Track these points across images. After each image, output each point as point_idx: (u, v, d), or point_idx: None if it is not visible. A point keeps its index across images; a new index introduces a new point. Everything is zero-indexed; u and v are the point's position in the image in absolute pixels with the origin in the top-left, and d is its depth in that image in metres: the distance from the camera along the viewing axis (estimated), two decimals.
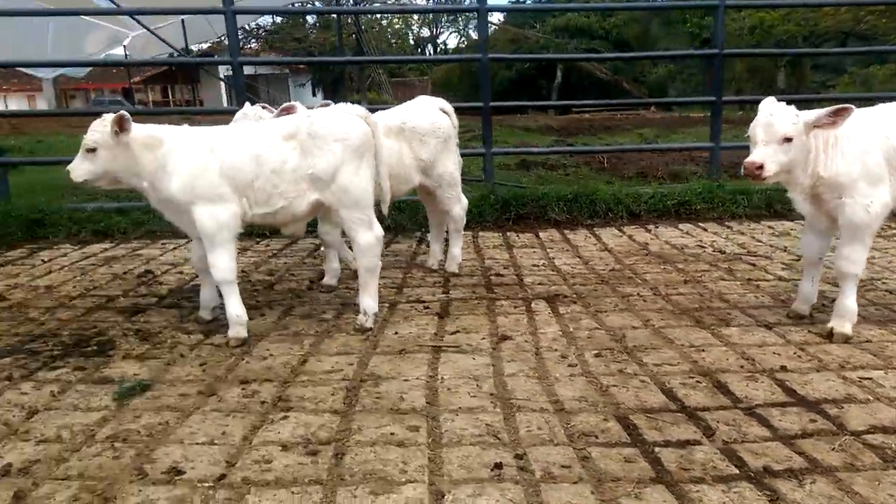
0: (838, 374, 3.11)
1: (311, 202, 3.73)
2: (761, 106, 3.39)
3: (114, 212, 6.83)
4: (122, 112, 3.48)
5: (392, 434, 2.63)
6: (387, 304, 4.29)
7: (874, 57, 25.98)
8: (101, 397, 3.04)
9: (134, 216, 6.77)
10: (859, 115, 3.36)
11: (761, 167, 3.29)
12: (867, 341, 3.51)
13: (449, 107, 4.87)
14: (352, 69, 34.69)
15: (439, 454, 2.47)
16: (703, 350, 3.44)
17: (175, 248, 6.12)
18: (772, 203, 6.87)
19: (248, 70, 27.27)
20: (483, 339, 3.68)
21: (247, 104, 4.83)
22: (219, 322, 3.97)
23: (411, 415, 2.79)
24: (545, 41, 35.27)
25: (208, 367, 3.38)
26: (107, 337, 3.83)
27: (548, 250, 5.74)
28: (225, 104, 32.83)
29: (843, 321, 3.55)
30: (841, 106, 3.25)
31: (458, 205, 4.90)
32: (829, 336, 3.54)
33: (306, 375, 3.25)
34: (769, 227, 6.53)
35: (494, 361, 3.35)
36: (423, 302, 4.36)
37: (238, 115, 4.64)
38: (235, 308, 3.67)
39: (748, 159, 3.34)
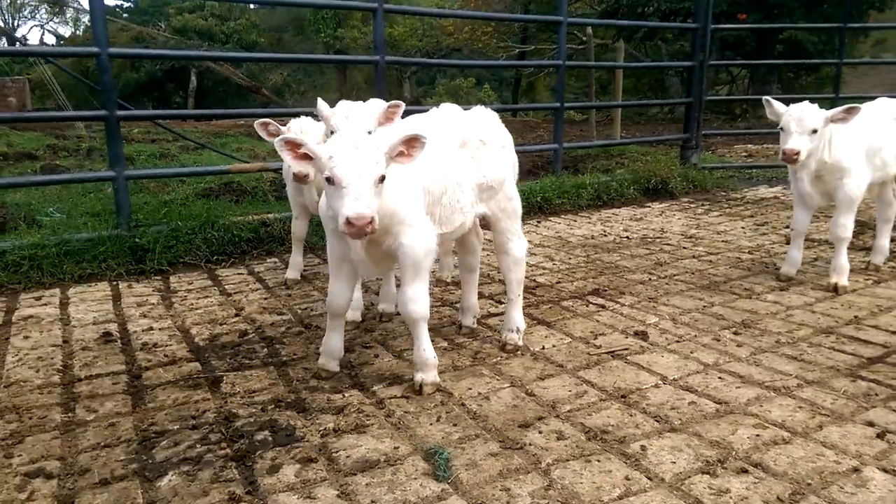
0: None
1: (476, 216, 3.42)
2: (793, 106, 4.29)
3: None
4: None
5: None
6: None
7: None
8: (420, 483, 2.38)
9: None
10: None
11: (798, 153, 4.17)
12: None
13: None
14: None
15: None
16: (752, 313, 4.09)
17: (63, 300, 4.48)
18: (600, 194, 7.90)
19: None
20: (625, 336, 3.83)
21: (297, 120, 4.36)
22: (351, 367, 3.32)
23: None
24: (176, 41, 32.99)
25: (453, 418, 2.85)
26: (266, 416, 2.94)
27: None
28: None
29: (842, 276, 4.59)
30: (851, 105, 4.26)
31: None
32: (835, 289, 4.55)
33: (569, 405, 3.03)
34: (614, 213, 7.55)
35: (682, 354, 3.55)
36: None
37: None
38: (429, 349, 3.17)
39: (788, 146, 4.22)
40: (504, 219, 3.55)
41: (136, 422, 2.89)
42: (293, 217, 4.99)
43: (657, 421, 2.84)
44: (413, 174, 3.01)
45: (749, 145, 14.20)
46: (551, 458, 2.56)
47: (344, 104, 3.99)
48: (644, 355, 3.56)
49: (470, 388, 3.18)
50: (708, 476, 2.43)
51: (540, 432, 2.76)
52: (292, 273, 4.98)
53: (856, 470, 2.45)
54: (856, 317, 4.08)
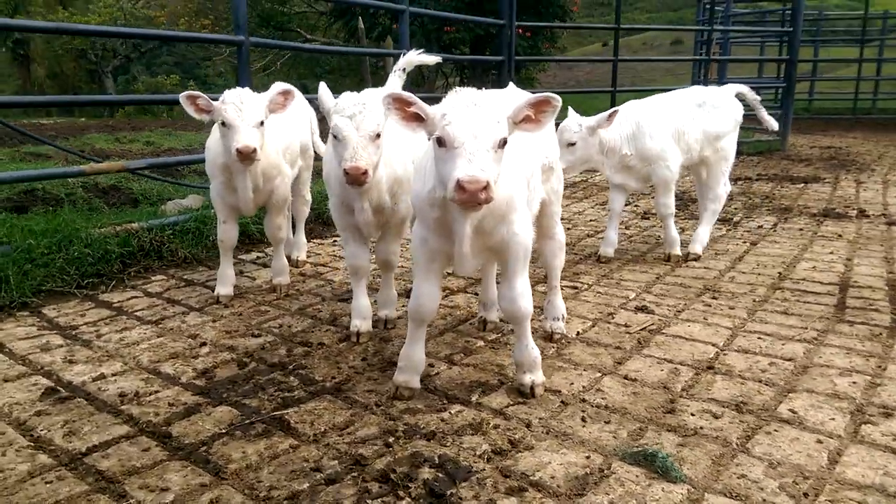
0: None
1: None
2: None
3: None
4: None
5: None
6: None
7: None
8: (661, 488, 2.13)
9: None
10: (647, 107, 4.96)
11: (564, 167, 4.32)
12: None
13: None
14: None
15: None
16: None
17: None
18: None
19: None
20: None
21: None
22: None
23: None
24: None
25: (597, 416, 2.58)
26: (403, 450, 2.32)
27: None
28: None
29: (674, 247, 5.04)
30: (613, 110, 4.70)
31: None
32: (686, 258, 5.04)
33: (679, 384, 2.92)
34: None
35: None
36: None
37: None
38: (535, 347, 2.93)
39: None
40: (555, 201, 3.36)
41: (246, 493, 2.15)
42: (220, 221, 4.13)
43: (768, 385, 2.94)
44: (520, 154, 2.69)
45: None
46: (735, 437, 2.49)
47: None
48: (672, 328, 3.65)
49: (571, 384, 2.96)
50: (869, 425, 2.58)
51: (692, 414, 2.68)
52: (224, 288, 4.12)
53: None
54: (779, 274, 4.65)
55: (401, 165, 3.27)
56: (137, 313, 3.91)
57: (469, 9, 15.92)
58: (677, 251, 5.04)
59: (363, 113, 2.86)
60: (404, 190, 3.34)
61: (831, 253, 5.19)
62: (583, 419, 2.64)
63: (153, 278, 4.60)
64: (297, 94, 4.10)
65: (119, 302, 4.11)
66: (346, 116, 2.87)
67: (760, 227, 6.20)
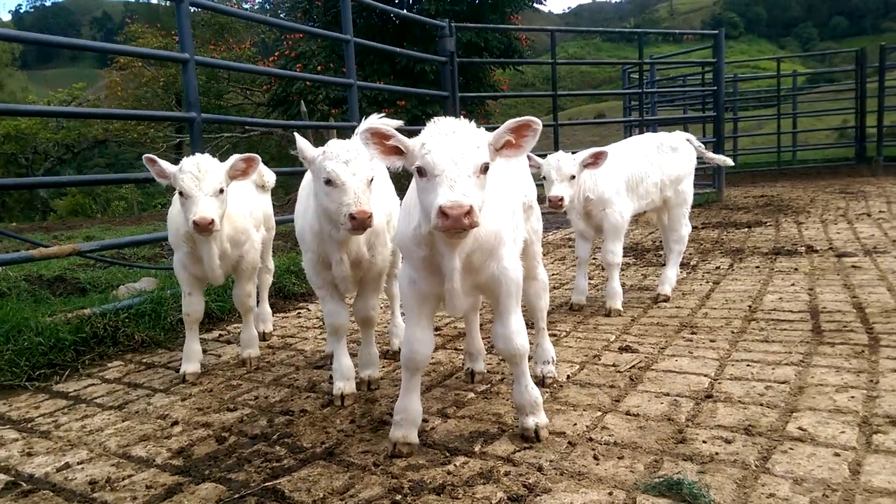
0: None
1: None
2: (551, 156, 4.53)
3: None
4: None
5: None
6: None
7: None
8: None
9: None
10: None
11: (562, 199, 4.40)
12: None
13: None
14: None
15: None
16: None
17: None
18: None
19: None
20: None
21: None
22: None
23: None
24: None
25: (607, 453, 2.46)
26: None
27: None
28: None
29: (615, 300, 4.82)
30: (598, 151, 4.43)
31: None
32: (609, 313, 4.78)
33: (683, 415, 2.86)
34: None
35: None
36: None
37: None
38: (536, 387, 2.84)
39: (552, 194, 4.43)
40: (536, 241, 3.32)
41: None
42: (184, 294, 3.93)
43: (770, 407, 2.89)
44: (502, 188, 2.67)
45: None
46: (753, 459, 2.41)
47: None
48: (660, 363, 3.60)
49: (574, 424, 2.85)
50: (880, 435, 2.54)
51: (704, 442, 2.59)
52: (190, 366, 3.88)
53: None
54: (749, 307, 4.69)
55: (377, 216, 3.19)
56: (97, 400, 3.63)
57: (414, 81, 16.30)
58: (618, 305, 4.81)
59: (358, 158, 2.79)
60: (381, 241, 3.26)
61: (793, 285, 5.30)
62: (595, 457, 2.52)
63: (109, 365, 4.30)
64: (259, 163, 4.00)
65: (76, 391, 3.81)
66: (341, 162, 2.78)
67: (718, 267, 6.32)
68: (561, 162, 4.47)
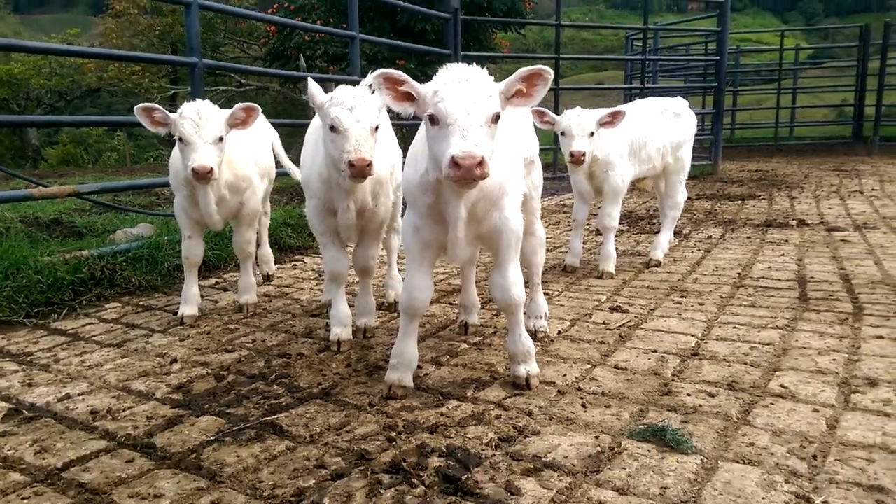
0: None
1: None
2: (570, 112, 4.53)
3: None
4: None
5: None
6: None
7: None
8: (676, 460, 2.13)
9: None
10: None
11: (584, 154, 4.46)
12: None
13: None
14: None
15: None
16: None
17: None
18: None
19: None
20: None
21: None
22: None
23: None
24: None
25: (596, 401, 2.56)
26: (406, 443, 2.17)
27: None
28: None
29: (608, 263, 4.89)
30: (616, 110, 4.51)
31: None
32: (601, 276, 4.85)
33: (669, 370, 2.94)
34: None
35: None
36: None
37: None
38: (529, 337, 2.91)
39: (575, 148, 4.45)
40: (535, 197, 3.37)
41: (248, 493, 2.02)
42: (184, 237, 3.97)
43: (753, 366, 2.98)
44: (509, 139, 2.70)
45: None
46: (735, 412, 2.51)
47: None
48: (649, 323, 3.68)
49: (564, 375, 2.93)
50: (858, 394, 2.64)
51: (688, 395, 2.68)
52: (189, 308, 3.94)
53: None
54: (738, 274, 4.78)
55: (382, 166, 3.22)
56: (96, 338, 3.69)
57: (415, 40, 16.10)
58: (610, 268, 4.86)
59: (363, 105, 2.81)
60: (384, 191, 3.30)
61: (782, 255, 5.38)
62: (583, 405, 2.60)
63: (107, 306, 4.36)
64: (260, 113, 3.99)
65: (74, 329, 3.87)
66: (346, 108, 2.80)
67: (710, 237, 6.39)
68: (582, 117, 4.48)
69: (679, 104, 5.29)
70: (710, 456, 2.18)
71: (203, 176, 3.41)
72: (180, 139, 3.48)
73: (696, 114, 5.42)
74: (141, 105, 3.57)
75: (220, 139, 3.52)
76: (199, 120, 3.46)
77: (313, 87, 2.96)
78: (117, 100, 35.57)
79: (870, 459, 2.13)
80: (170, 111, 3.60)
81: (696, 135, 5.55)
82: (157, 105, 3.57)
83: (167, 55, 16.18)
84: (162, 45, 27.05)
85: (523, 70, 2.41)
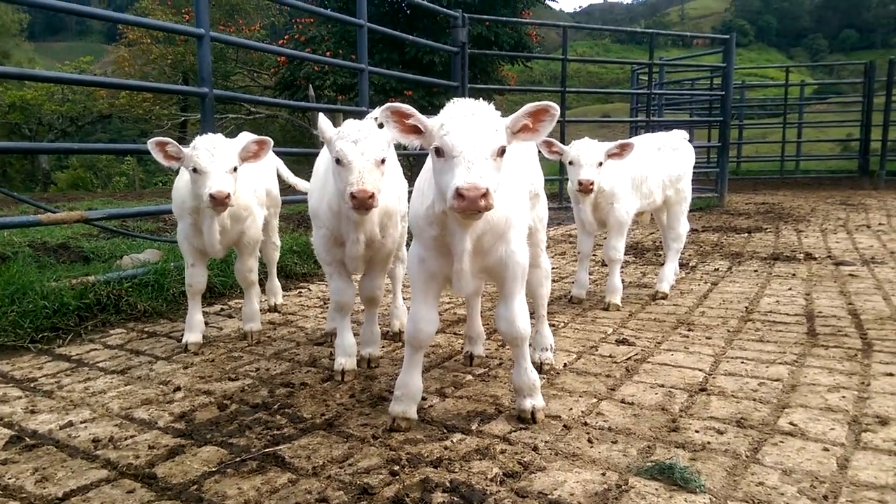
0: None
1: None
2: (578, 142, 4.55)
3: None
4: None
5: None
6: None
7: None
8: (683, 498, 2.08)
9: None
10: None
11: (592, 183, 4.46)
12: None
13: None
14: None
15: None
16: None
17: None
18: None
19: None
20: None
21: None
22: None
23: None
24: None
25: (602, 437, 2.52)
26: (410, 477, 2.14)
27: None
28: None
29: (615, 295, 4.90)
30: (625, 142, 4.53)
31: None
32: (607, 307, 4.84)
33: (677, 405, 2.91)
34: None
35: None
36: None
37: None
38: (535, 371, 2.88)
39: (583, 177, 4.45)
40: (541, 229, 3.37)
41: None
42: (187, 265, 3.97)
43: (762, 403, 2.94)
44: (515, 174, 2.71)
45: None
46: (743, 450, 2.47)
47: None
48: (656, 357, 3.65)
49: (570, 409, 2.90)
50: (868, 433, 2.60)
51: (696, 431, 2.65)
52: (193, 336, 3.93)
53: None
54: (746, 308, 4.75)
55: (391, 198, 3.24)
56: (100, 364, 3.68)
57: (423, 72, 16.30)
58: (617, 300, 4.86)
59: (368, 138, 2.83)
60: (393, 223, 3.30)
61: (790, 289, 5.35)
62: (589, 440, 2.57)
63: (112, 332, 4.35)
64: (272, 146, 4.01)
65: (78, 354, 3.86)
66: (350, 141, 2.82)
67: (717, 269, 6.37)
68: (590, 147, 4.50)
69: (676, 138, 5.33)
70: (718, 495, 2.14)
71: (220, 202, 3.42)
72: (194, 170, 3.49)
73: (702, 147, 5.47)
74: (155, 139, 3.58)
75: (234, 169, 3.55)
76: (214, 150, 3.48)
77: (323, 122, 3.00)
78: (128, 126, 36.03)
79: (882, 501, 2.09)
80: (180, 139, 3.63)
81: (703, 167, 5.60)
82: (170, 140, 3.59)
83: (178, 85, 16.39)
84: (174, 73, 27.44)
85: (530, 105, 2.43)
